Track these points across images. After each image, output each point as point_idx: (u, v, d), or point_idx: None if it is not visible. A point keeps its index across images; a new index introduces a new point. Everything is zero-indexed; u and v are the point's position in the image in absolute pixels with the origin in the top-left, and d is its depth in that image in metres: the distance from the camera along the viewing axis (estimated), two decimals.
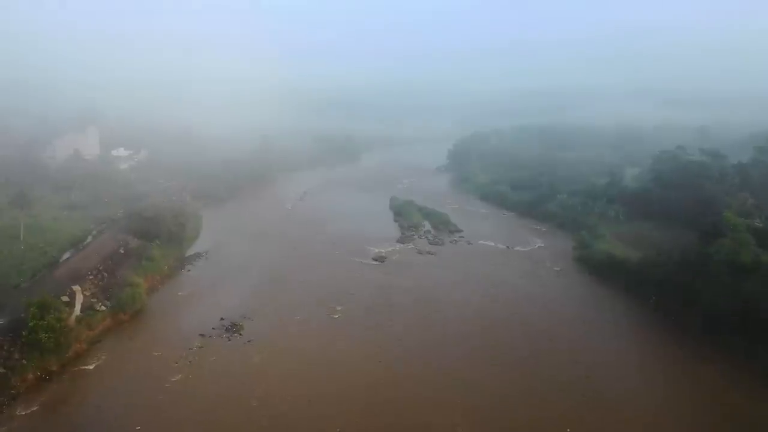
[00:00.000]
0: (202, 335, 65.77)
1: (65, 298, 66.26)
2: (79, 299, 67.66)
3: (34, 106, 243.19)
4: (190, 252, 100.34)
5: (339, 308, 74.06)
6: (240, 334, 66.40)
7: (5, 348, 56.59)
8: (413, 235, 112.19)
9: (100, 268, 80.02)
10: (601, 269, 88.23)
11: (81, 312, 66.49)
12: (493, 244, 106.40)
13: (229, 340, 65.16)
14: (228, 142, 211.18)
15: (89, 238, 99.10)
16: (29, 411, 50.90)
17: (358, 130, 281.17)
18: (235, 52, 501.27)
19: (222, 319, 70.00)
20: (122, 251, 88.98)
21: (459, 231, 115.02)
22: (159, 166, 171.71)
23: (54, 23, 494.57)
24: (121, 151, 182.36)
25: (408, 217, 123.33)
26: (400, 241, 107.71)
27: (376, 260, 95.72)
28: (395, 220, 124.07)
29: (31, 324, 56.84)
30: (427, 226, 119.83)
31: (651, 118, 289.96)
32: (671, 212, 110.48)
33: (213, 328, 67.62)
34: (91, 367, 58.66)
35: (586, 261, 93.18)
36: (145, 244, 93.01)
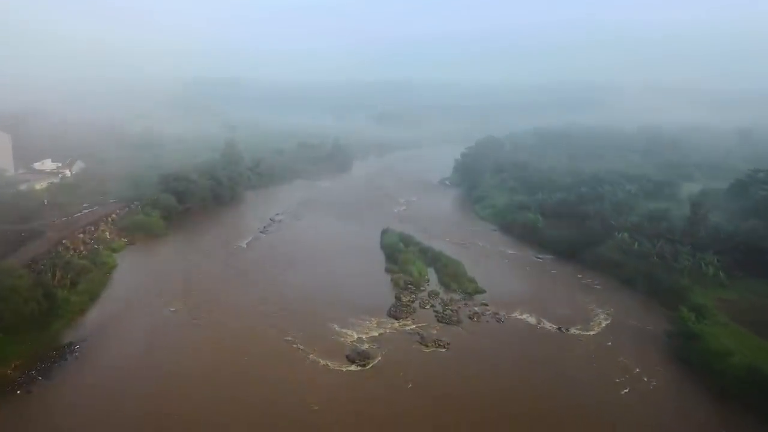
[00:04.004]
0: None
1: None
2: None
3: None
4: (64, 338, 63.33)
5: None
6: None
7: None
8: (413, 300, 75.25)
9: None
10: (736, 389, 51.35)
11: None
12: (534, 320, 69.30)
13: None
14: (192, 150, 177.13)
15: None
16: None
17: (351, 132, 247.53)
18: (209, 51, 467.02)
19: None
20: None
21: (480, 292, 78.13)
22: (92, 183, 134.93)
23: None
24: (47, 164, 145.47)
25: (406, 266, 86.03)
26: (394, 314, 70.47)
27: (352, 362, 58.61)
28: (387, 270, 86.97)
29: None
30: (433, 281, 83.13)
31: (671, 118, 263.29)
32: None
33: None
34: None
35: (699, 367, 56.15)
36: None
